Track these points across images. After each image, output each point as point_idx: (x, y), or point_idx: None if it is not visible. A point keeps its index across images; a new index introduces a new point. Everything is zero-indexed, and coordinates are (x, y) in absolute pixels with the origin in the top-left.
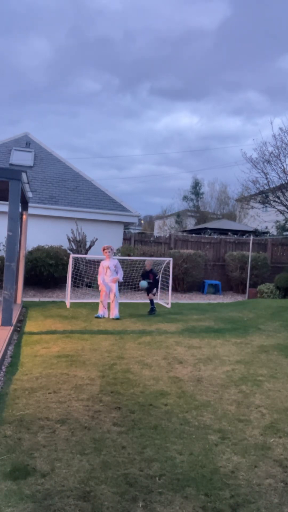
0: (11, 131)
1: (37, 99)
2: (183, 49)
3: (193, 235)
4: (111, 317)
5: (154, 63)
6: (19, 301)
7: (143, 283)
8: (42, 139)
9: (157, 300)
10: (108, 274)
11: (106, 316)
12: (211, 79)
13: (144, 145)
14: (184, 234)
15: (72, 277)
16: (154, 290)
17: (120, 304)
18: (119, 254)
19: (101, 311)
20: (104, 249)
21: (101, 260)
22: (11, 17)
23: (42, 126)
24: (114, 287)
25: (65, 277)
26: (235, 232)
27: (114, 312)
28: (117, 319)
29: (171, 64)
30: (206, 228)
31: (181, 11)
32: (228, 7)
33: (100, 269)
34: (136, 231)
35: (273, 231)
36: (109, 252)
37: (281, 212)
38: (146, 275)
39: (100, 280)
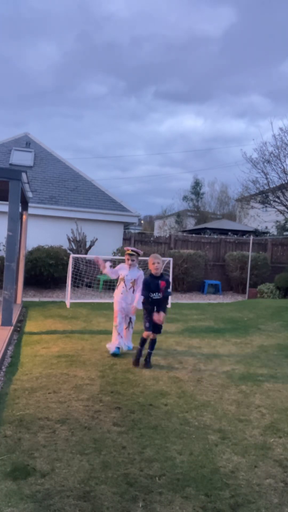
0: (16, 133)
1: (42, 101)
2: (188, 54)
3: (193, 235)
4: (123, 347)
5: (159, 68)
6: (19, 301)
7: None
8: (47, 140)
9: None
10: (124, 290)
11: (125, 347)
12: (215, 83)
13: (147, 147)
14: (184, 234)
15: (72, 277)
16: (162, 315)
17: None
18: (119, 254)
19: (115, 343)
20: (130, 255)
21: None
22: (21, 22)
23: (47, 128)
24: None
25: (65, 277)
26: (235, 232)
27: (127, 342)
28: (129, 350)
29: (176, 68)
30: (206, 228)
31: (187, 18)
32: (233, 13)
33: (115, 270)
34: (136, 231)
35: (273, 231)
36: (135, 260)
37: (281, 212)
38: (154, 284)
39: (107, 270)
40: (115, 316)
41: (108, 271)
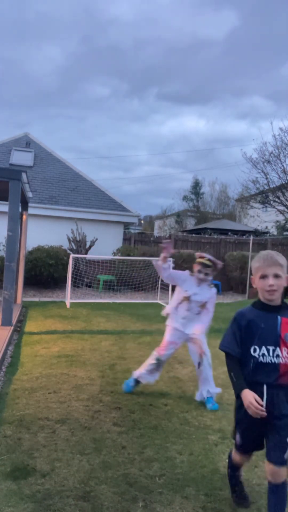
0: (16, 133)
1: (46, 103)
2: (190, 57)
3: (193, 235)
4: (208, 405)
5: (162, 70)
6: (19, 301)
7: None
8: (50, 141)
9: (157, 300)
10: (188, 315)
11: (152, 381)
12: (218, 85)
13: (150, 148)
14: (184, 234)
15: (72, 277)
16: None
17: (120, 304)
18: (119, 254)
19: (139, 373)
20: (205, 265)
21: (102, 259)
22: (26, 25)
23: (51, 129)
24: (201, 337)
25: (65, 277)
26: (235, 232)
27: (211, 389)
28: (215, 409)
29: (179, 70)
30: (206, 228)
31: (190, 22)
32: (236, 17)
33: (175, 274)
34: (136, 231)
35: (273, 231)
36: (209, 273)
37: (281, 212)
38: (265, 325)
39: (165, 265)
40: (164, 345)
41: (163, 267)
